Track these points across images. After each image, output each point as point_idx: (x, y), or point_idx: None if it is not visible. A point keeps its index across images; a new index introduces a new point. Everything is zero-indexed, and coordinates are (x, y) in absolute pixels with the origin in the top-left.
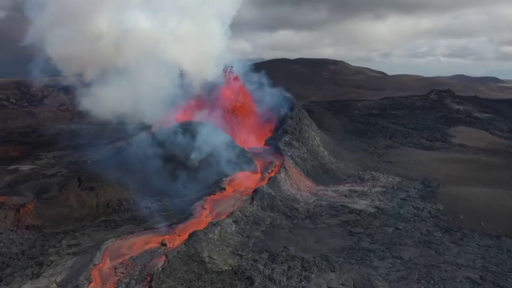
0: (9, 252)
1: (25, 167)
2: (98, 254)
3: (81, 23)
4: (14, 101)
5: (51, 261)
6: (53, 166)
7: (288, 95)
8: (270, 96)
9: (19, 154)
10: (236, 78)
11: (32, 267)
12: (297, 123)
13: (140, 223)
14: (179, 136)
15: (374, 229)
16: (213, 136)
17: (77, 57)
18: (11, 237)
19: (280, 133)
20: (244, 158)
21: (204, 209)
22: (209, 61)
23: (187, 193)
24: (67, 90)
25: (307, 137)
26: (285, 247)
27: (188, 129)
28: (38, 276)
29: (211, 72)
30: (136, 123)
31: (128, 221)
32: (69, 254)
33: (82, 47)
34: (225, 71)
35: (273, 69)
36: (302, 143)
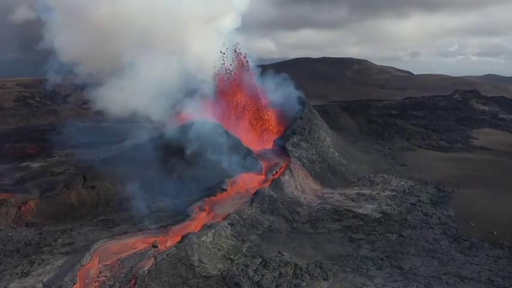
0: (5, 249)
1: (36, 164)
2: (87, 254)
3: (85, 20)
4: (38, 99)
5: (43, 260)
6: (63, 164)
7: (300, 94)
8: (281, 96)
9: (34, 151)
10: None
11: (23, 265)
12: (306, 124)
13: (137, 223)
14: (184, 135)
15: (377, 236)
16: (219, 136)
17: (85, 56)
18: (9, 234)
19: (288, 133)
20: (250, 158)
21: (202, 210)
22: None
23: (190, 193)
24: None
25: (317, 137)
26: (279, 252)
27: (193, 128)
28: (27, 275)
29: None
30: (145, 121)
31: (127, 221)
32: (61, 253)
33: (89, 46)
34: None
35: (296, 69)
36: (311, 144)
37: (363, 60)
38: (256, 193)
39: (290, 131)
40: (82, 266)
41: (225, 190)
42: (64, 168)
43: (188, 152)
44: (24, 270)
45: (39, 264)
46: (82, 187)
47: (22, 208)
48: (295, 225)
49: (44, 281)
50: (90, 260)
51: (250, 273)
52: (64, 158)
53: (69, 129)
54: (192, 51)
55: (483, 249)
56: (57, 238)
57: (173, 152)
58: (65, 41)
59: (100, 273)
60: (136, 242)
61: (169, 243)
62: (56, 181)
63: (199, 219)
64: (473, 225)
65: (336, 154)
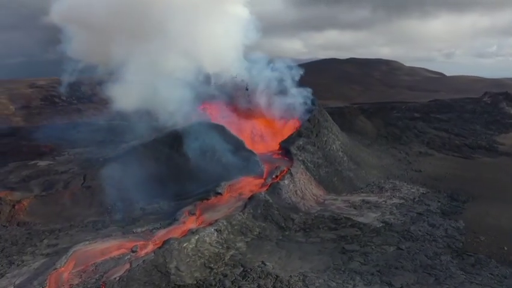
0: None
1: (43, 163)
2: (63, 257)
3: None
4: (64, 98)
5: (23, 261)
6: (69, 163)
7: (310, 95)
8: (291, 98)
9: (48, 149)
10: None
11: (2, 266)
12: (314, 126)
13: (127, 225)
14: (187, 136)
15: (372, 247)
16: (222, 138)
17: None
18: (0, 232)
19: (294, 136)
20: (252, 161)
21: (192, 214)
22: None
23: (188, 196)
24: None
25: (325, 140)
26: (262, 262)
27: (196, 129)
28: (2, 276)
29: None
30: (153, 121)
31: (117, 223)
32: (43, 254)
33: (101, 45)
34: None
35: (322, 69)
36: (318, 147)
37: (393, 61)
38: (250, 198)
39: (296, 133)
40: (55, 269)
41: (220, 194)
42: (68, 167)
43: (190, 153)
44: (1, 271)
45: (17, 266)
46: (76, 187)
47: (16, 207)
48: (287, 233)
49: (16, 283)
50: (65, 263)
51: (227, 284)
52: (72, 156)
53: (88, 128)
54: (206, 50)
55: (488, 266)
56: (44, 239)
57: (175, 153)
58: (81, 45)
59: (72, 278)
60: (117, 246)
61: (149, 249)
62: (57, 180)
63: (186, 223)
64: (482, 239)
65: (345, 158)
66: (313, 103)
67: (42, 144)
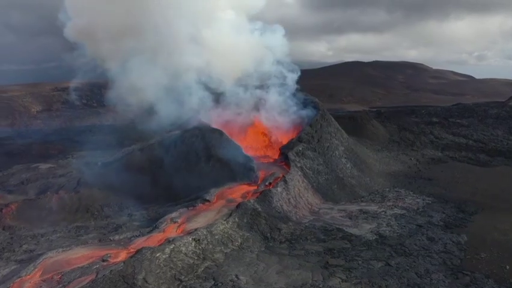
0: None
1: (45, 166)
2: (31, 265)
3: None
4: (85, 101)
5: None
6: (70, 166)
7: (314, 100)
8: (294, 103)
9: (56, 152)
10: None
11: None
12: (316, 131)
13: (110, 231)
14: (184, 142)
15: (359, 262)
16: (219, 143)
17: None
18: None
19: (294, 141)
20: (247, 167)
21: (174, 222)
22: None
23: (178, 202)
24: None
25: (328, 146)
26: (236, 276)
27: (192, 134)
28: None
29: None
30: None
31: (100, 229)
32: (17, 260)
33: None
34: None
35: (345, 72)
36: (319, 153)
37: (419, 64)
38: (238, 206)
39: (297, 138)
40: (19, 277)
41: (208, 201)
42: (67, 171)
43: (185, 157)
44: None
45: None
46: (64, 191)
47: (3, 210)
48: (271, 244)
49: None
50: (32, 271)
51: None
52: (75, 160)
53: (103, 131)
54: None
55: (484, 287)
56: (24, 244)
57: (169, 157)
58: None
59: (38, 285)
60: (89, 255)
61: (122, 257)
62: (53, 184)
63: (166, 232)
64: (483, 255)
65: (348, 165)
66: (316, 107)
67: (51, 147)
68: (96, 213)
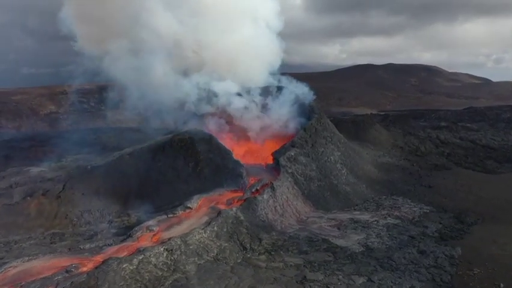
0: None
1: (36, 169)
2: None
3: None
4: (93, 104)
5: None
6: (60, 169)
7: (312, 103)
8: (289, 106)
9: (53, 155)
10: None
11: None
12: (310, 136)
13: (86, 239)
14: (172, 146)
15: (339, 277)
16: (208, 148)
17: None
18: None
19: (287, 146)
20: (235, 173)
21: (150, 230)
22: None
23: (162, 209)
24: None
25: (322, 151)
26: None
27: (181, 139)
28: None
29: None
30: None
31: (77, 236)
32: None
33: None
34: None
35: (357, 75)
36: (312, 158)
37: (433, 66)
38: (218, 214)
39: (289, 143)
40: None
41: (190, 208)
42: (56, 174)
43: (171, 163)
44: None
45: None
46: (44, 196)
47: None
48: (249, 255)
49: None
50: None
51: None
52: (67, 163)
53: (107, 133)
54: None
55: None
56: None
57: (156, 163)
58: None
59: None
60: (53, 264)
61: (88, 268)
62: (39, 188)
63: (140, 241)
64: (476, 271)
65: (343, 171)
66: (313, 111)
67: (49, 149)
68: (75, 219)
